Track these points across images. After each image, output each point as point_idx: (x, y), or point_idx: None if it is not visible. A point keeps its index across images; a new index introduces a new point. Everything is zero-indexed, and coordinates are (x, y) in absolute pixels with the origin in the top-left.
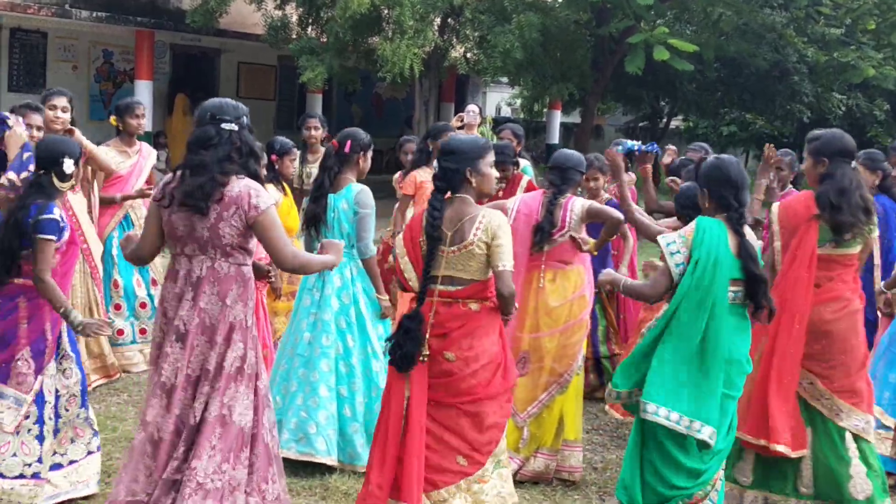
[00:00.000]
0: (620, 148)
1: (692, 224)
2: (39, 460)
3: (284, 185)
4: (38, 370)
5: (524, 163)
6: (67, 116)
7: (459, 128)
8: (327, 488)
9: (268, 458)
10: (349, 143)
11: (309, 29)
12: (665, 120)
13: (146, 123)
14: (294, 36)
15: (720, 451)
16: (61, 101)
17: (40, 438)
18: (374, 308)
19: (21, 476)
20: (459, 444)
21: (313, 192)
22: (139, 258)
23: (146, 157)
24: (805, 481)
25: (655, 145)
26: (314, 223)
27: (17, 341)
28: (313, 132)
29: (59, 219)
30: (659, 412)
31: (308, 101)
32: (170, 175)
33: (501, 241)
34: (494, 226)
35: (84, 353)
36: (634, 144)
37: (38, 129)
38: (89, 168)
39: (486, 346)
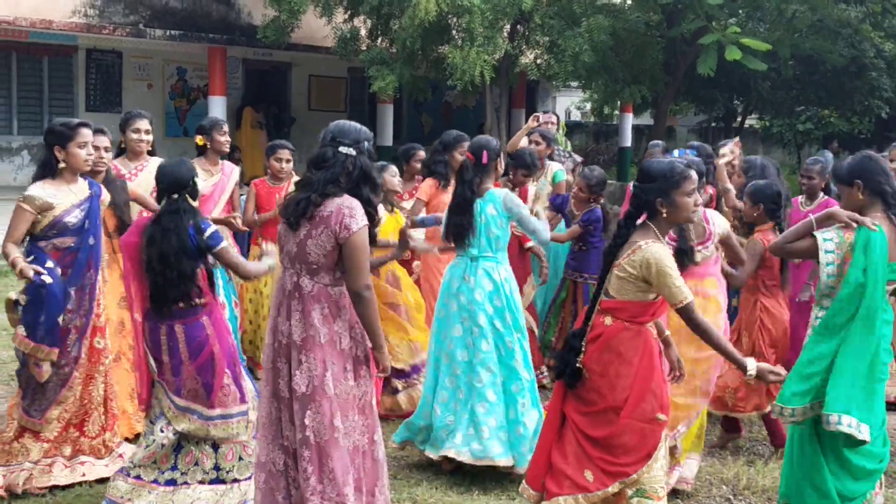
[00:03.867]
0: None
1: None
2: (216, 467)
3: (392, 203)
4: (239, 385)
5: (556, 167)
6: (150, 138)
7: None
8: (415, 500)
9: (375, 471)
10: (485, 153)
11: (378, 40)
12: (739, 119)
13: None
14: (364, 47)
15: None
16: (144, 124)
17: (178, 448)
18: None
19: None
20: (591, 457)
21: (455, 205)
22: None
23: (228, 175)
24: None
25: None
26: (460, 234)
27: (217, 365)
28: (284, 164)
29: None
30: (842, 421)
31: (378, 112)
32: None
33: (664, 279)
34: (649, 263)
35: None
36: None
37: (106, 150)
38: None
39: (613, 366)
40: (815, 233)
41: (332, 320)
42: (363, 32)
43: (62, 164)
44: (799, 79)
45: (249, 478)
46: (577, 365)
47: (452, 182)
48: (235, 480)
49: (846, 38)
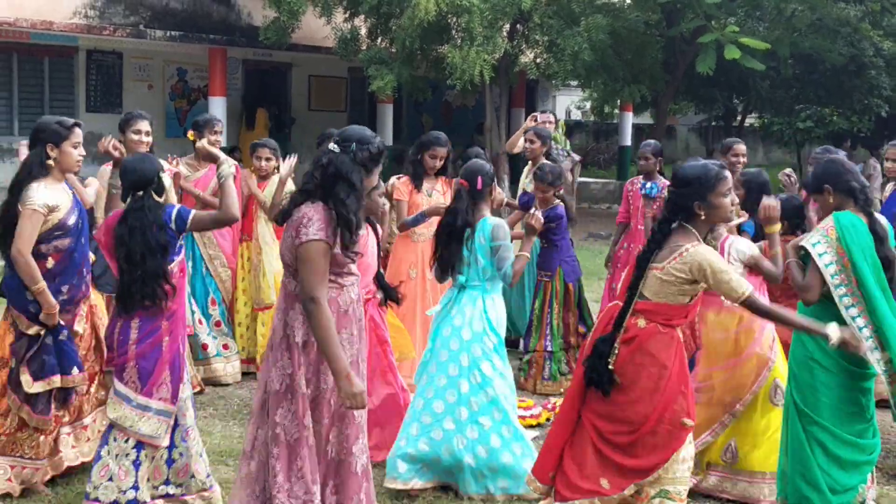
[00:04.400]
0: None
1: (829, 221)
2: (135, 487)
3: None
4: (175, 389)
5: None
6: (150, 139)
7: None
8: None
9: (354, 483)
10: (480, 179)
11: (378, 40)
12: (739, 118)
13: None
14: (364, 47)
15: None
16: (144, 125)
17: (136, 465)
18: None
19: (115, 503)
20: (607, 467)
21: (445, 234)
22: None
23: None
24: None
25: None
26: (445, 266)
27: (160, 360)
28: (264, 163)
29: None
30: None
31: (378, 112)
32: None
33: (718, 276)
34: (702, 265)
35: None
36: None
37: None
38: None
39: (646, 369)
40: (805, 246)
41: (297, 321)
42: (363, 32)
43: (51, 163)
44: (798, 77)
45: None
46: (610, 368)
47: (425, 183)
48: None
49: (845, 37)
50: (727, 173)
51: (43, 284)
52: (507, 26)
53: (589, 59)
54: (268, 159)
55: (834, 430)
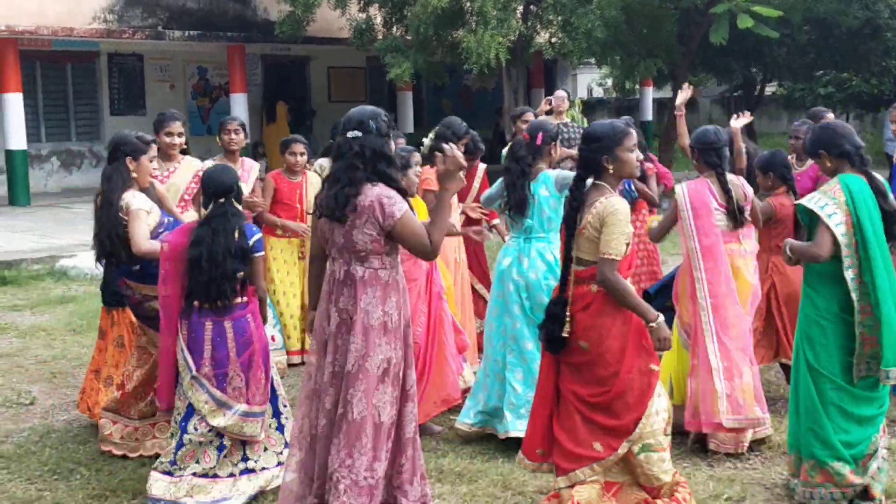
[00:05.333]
0: None
1: (835, 184)
2: (286, 445)
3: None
4: (268, 382)
5: None
6: (182, 140)
7: (548, 112)
8: (441, 471)
9: (414, 453)
10: (540, 135)
11: (393, 28)
12: (759, 87)
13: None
14: (379, 37)
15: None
16: (177, 127)
17: (280, 429)
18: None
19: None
20: (595, 430)
21: (511, 182)
22: (314, 257)
23: (248, 171)
24: None
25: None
26: (521, 206)
27: (256, 362)
28: (298, 157)
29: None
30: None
31: (398, 99)
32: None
33: (609, 228)
34: (606, 213)
35: None
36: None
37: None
38: None
39: (609, 329)
40: (811, 209)
41: (382, 303)
42: (378, 21)
43: (134, 174)
44: (814, 43)
45: (278, 465)
46: (565, 335)
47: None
48: (264, 468)
49: (860, 1)
50: (632, 130)
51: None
52: (521, 8)
53: (602, 37)
54: (301, 154)
55: (847, 386)
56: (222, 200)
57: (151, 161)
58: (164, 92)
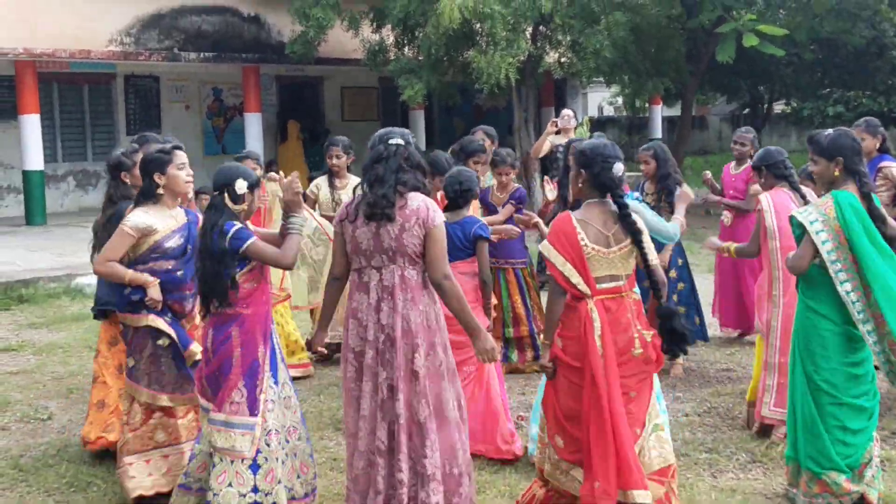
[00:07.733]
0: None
1: (828, 201)
2: (255, 489)
3: None
4: (253, 397)
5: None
6: (342, 161)
7: (557, 132)
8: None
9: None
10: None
11: (405, 49)
12: (767, 105)
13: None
14: (392, 57)
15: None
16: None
17: (254, 468)
18: None
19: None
20: (630, 416)
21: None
22: (335, 278)
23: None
24: None
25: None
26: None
27: (232, 371)
28: (335, 160)
29: (244, 226)
30: None
31: (411, 118)
32: (351, 196)
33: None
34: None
35: None
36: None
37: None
38: None
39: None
40: (801, 221)
41: (432, 304)
42: (391, 42)
43: (161, 191)
44: (821, 62)
45: None
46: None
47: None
48: None
49: (865, 20)
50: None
51: (131, 271)
52: (530, 29)
53: (611, 56)
54: (338, 157)
55: (844, 398)
56: (216, 193)
57: (181, 169)
58: (179, 112)
